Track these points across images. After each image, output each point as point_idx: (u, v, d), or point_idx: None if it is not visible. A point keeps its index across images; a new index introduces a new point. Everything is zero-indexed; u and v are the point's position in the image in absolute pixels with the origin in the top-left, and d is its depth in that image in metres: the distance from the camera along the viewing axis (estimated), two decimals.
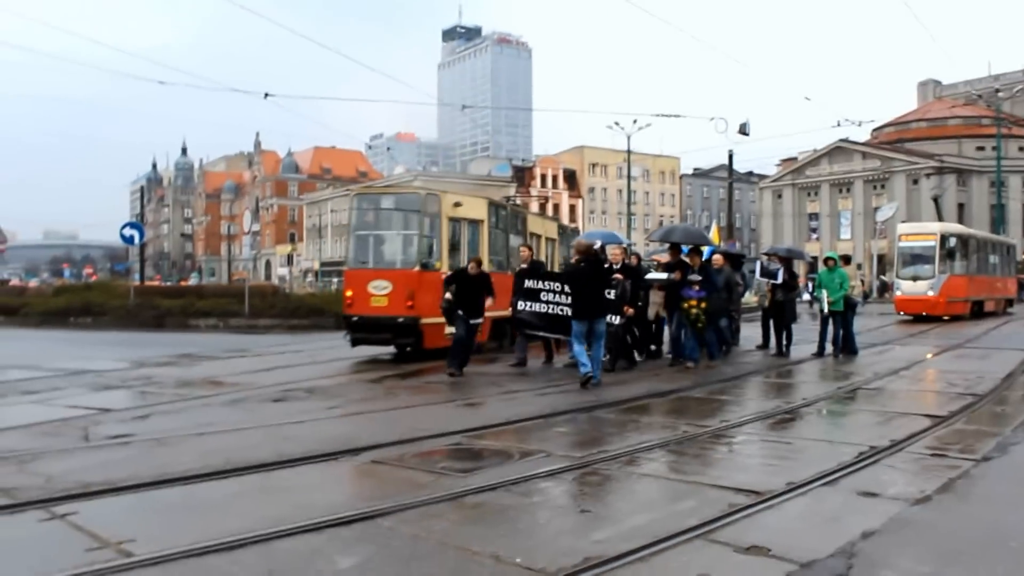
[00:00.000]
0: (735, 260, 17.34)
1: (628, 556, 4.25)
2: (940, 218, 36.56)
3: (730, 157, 45.87)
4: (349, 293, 15.23)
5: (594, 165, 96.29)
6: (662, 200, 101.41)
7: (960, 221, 55.45)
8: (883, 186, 76.04)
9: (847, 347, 15.55)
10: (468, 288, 12.57)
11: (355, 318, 14.75)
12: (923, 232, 30.61)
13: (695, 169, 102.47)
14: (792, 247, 19.63)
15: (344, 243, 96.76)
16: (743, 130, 34.06)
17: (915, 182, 71.94)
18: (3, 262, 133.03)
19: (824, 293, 15.47)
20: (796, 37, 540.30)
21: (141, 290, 30.58)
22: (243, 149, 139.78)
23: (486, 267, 13.73)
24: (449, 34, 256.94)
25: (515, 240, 17.76)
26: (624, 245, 16.42)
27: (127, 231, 29.61)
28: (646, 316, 14.05)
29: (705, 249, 16.00)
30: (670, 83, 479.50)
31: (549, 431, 8.10)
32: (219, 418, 8.83)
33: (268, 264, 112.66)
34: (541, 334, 13.56)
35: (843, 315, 15.50)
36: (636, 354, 14.06)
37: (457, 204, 15.54)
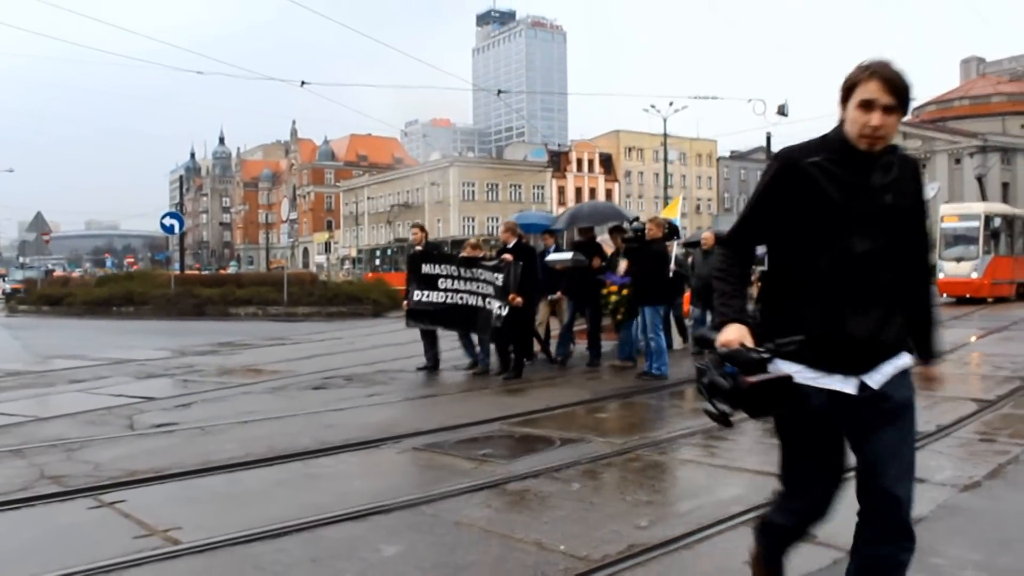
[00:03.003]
0: None
1: (673, 543, 4.23)
2: (984, 198, 35.85)
3: (768, 139, 45.22)
4: None
5: (630, 149, 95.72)
6: (699, 183, 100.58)
7: (1004, 201, 54.28)
8: (924, 166, 74.72)
9: None
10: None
11: None
12: (966, 212, 30.11)
13: (732, 152, 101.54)
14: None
15: (383, 230, 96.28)
16: (782, 111, 33.71)
17: (957, 161, 70.72)
18: (48, 252, 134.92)
19: None
20: (835, 15, 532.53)
21: (181, 279, 30.87)
22: (280, 137, 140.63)
23: None
24: (483, 18, 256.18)
25: None
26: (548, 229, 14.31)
27: (167, 221, 29.92)
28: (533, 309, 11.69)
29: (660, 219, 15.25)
30: (707, 65, 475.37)
31: (590, 417, 8.08)
32: (260, 406, 8.89)
33: (306, 252, 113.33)
34: (438, 328, 11.55)
35: None
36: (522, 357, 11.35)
37: None
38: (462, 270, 11.10)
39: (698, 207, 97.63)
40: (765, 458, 6.18)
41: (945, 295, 28.80)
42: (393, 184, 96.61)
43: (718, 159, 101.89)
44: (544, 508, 4.95)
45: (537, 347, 12.27)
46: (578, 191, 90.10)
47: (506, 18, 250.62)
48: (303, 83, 23.60)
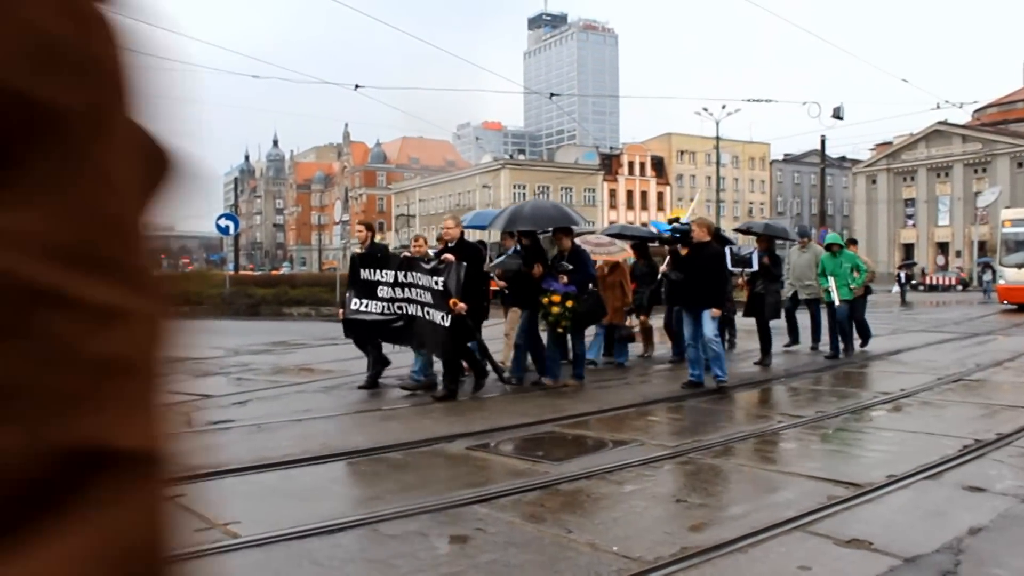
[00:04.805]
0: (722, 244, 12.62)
1: (726, 547, 4.21)
2: None
3: (822, 142, 44.73)
4: None
5: (682, 152, 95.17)
6: (752, 187, 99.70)
7: None
8: (985, 170, 73.37)
9: (864, 336, 13.97)
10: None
11: None
12: None
13: (786, 155, 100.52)
14: (773, 222, 15.84)
15: (435, 231, 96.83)
16: (837, 114, 33.25)
17: (1020, 165, 69.33)
18: None
19: (832, 282, 13.22)
20: (894, 16, 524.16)
21: (236, 279, 31.33)
22: (332, 140, 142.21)
23: None
24: (535, 22, 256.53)
25: None
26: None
27: (223, 222, 30.34)
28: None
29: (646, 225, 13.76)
30: (760, 67, 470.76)
31: (642, 420, 8.06)
32: (314, 405, 9.00)
33: None
34: (378, 341, 10.25)
35: (855, 303, 13.52)
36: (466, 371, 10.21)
37: None
38: (400, 275, 9.73)
39: (751, 211, 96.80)
40: (818, 464, 6.13)
41: (1005, 302, 28.32)
42: (444, 186, 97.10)
43: (771, 162, 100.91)
44: (597, 509, 4.96)
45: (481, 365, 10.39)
46: (629, 194, 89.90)
47: (557, 21, 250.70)
48: (357, 86, 23.82)
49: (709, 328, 9.90)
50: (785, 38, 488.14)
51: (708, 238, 10.17)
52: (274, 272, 76.85)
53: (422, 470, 6.19)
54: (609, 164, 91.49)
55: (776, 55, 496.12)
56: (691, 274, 10.13)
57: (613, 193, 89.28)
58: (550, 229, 11.05)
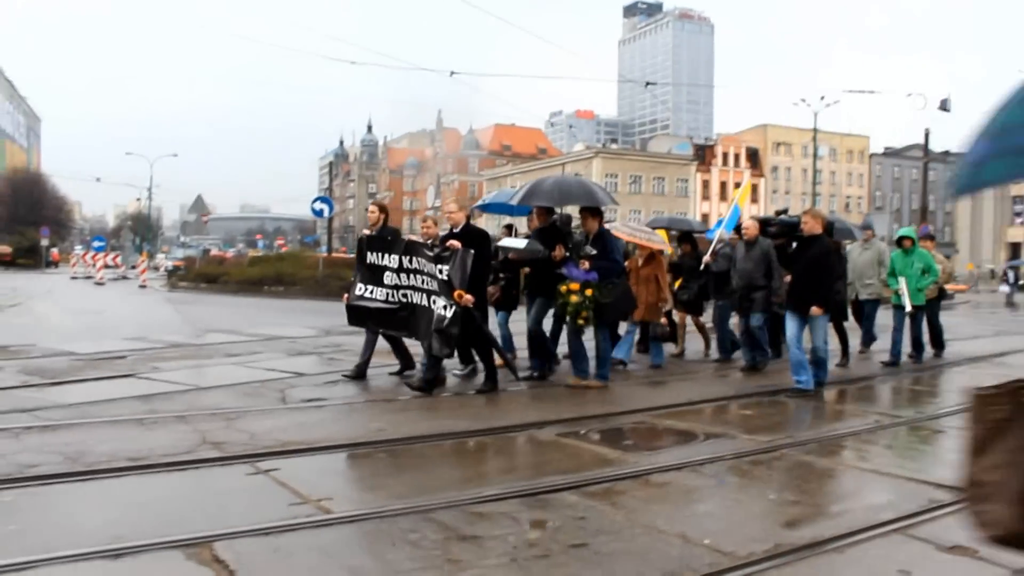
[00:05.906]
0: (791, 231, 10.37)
1: (823, 546, 4.12)
2: None
3: (926, 136, 43.31)
4: None
5: (778, 144, 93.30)
6: (849, 180, 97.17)
7: None
8: None
9: (936, 343, 12.74)
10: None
11: None
12: None
13: (886, 148, 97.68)
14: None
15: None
16: (944, 107, 32.13)
17: None
18: (206, 232, 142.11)
19: (903, 283, 11.51)
20: (1007, 4, 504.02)
21: (329, 261, 31.84)
22: (426, 126, 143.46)
23: None
24: (630, 10, 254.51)
25: None
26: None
27: (317, 205, 30.94)
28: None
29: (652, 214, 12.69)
30: (862, 58, 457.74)
31: (734, 413, 7.94)
32: (404, 386, 9.08)
33: None
34: (380, 330, 9.50)
35: (929, 306, 12.22)
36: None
37: None
38: (405, 260, 8.94)
39: (847, 205, 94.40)
40: (918, 465, 5.95)
41: None
42: (536, 174, 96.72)
43: (871, 155, 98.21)
44: (688, 502, 4.90)
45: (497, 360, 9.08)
46: (723, 185, 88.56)
47: (653, 10, 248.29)
48: (452, 73, 23.98)
49: (820, 334, 9.16)
50: (888, 27, 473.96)
51: (820, 230, 9.12)
52: None
53: (513, 455, 6.21)
54: (703, 155, 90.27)
55: (878, 46, 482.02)
56: (800, 270, 9.15)
57: (706, 184, 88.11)
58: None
